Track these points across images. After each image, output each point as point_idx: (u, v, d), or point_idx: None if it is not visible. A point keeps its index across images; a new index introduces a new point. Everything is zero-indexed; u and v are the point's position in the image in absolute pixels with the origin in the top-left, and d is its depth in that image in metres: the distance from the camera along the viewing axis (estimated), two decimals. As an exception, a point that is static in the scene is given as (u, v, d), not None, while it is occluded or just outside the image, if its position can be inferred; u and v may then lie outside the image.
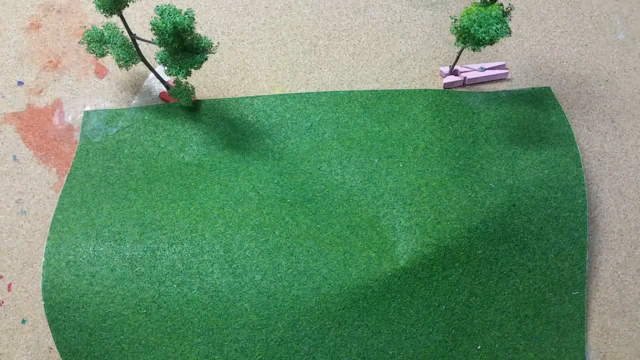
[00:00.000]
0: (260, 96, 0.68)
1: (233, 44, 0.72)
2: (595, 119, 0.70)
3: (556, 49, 0.73)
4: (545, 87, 0.69)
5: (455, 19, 0.57)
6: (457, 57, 0.65)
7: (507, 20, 0.54)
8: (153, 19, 0.53)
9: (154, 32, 0.54)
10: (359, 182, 0.62)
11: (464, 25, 0.55)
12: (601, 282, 0.64)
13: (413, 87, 0.70)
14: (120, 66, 0.60)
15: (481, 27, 0.54)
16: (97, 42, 0.59)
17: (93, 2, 0.55)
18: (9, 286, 0.62)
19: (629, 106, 0.70)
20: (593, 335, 0.62)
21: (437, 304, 0.59)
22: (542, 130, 0.66)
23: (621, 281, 0.64)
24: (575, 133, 0.68)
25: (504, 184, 0.62)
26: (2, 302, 0.62)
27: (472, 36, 0.55)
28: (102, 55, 0.59)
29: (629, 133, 0.69)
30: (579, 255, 0.62)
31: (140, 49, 0.67)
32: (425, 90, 0.68)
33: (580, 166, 0.63)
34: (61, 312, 0.56)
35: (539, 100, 0.68)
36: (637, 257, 0.64)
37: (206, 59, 0.58)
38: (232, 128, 0.67)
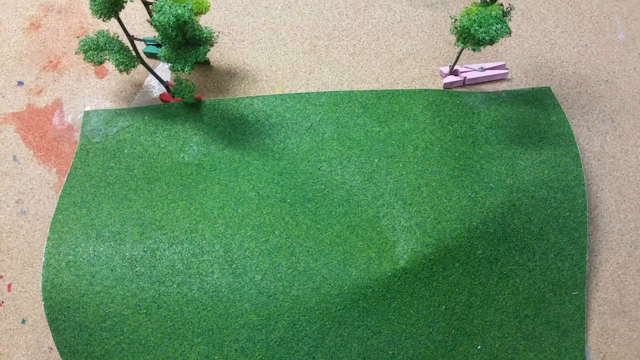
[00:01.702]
0: (260, 96, 0.68)
1: (233, 44, 0.72)
2: (595, 119, 0.70)
3: (556, 49, 0.73)
4: (545, 87, 0.69)
5: (455, 19, 0.57)
6: (457, 57, 0.65)
7: (507, 21, 0.54)
8: (155, 15, 0.53)
9: (156, 28, 0.54)
10: (359, 182, 0.62)
11: (464, 25, 0.55)
12: (601, 282, 0.64)
13: (413, 87, 0.70)
14: (120, 71, 0.59)
15: (481, 27, 0.54)
16: (94, 50, 0.59)
17: (89, 8, 0.54)
18: (9, 286, 0.62)
19: (629, 106, 0.70)
20: (593, 335, 0.62)
21: (437, 304, 0.59)
22: (542, 130, 0.66)
23: (621, 281, 0.64)
24: (575, 133, 0.68)
25: (504, 184, 0.62)
26: (2, 302, 0.62)
27: (472, 36, 0.55)
28: (101, 62, 0.59)
29: (629, 133, 0.69)
30: (579, 255, 0.62)
31: (138, 50, 0.67)
32: (425, 90, 0.68)
33: (580, 166, 0.63)
34: (61, 312, 0.56)
35: (539, 100, 0.68)
36: (637, 257, 0.64)
37: (209, 49, 0.58)
38: (232, 128, 0.67)
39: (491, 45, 0.56)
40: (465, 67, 0.70)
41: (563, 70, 0.72)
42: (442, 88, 0.69)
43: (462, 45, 0.58)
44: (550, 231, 0.62)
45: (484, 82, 0.70)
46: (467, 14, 0.55)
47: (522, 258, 0.61)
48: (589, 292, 0.63)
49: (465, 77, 0.69)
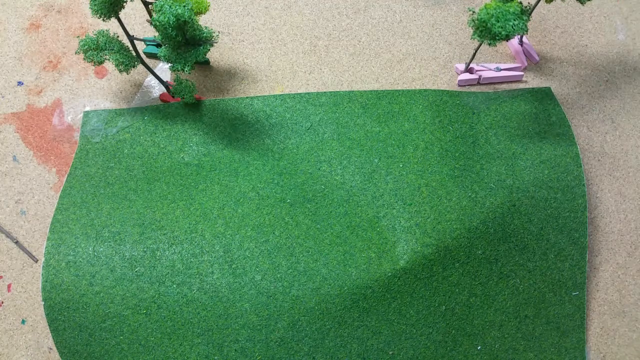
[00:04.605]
0: (260, 96, 0.68)
1: (233, 44, 0.72)
2: (595, 119, 0.69)
3: (556, 49, 0.73)
4: (545, 87, 0.69)
5: (473, 11, 0.57)
6: (473, 55, 0.65)
7: (525, 18, 0.55)
8: (155, 15, 0.53)
9: (156, 28, 0.54)
10: (359, 182, 0.62)
11: (481, 19, 0.56)
12: (601, 282, 0.64)
13: (413, 87, 0.70)
14: (120, 71, 0.59)
15: (498, 21, 0.54)
16: (94, 50, 0.59)
17: (89, 8, 0.54)
18: (9, 286, 0.62)
19: (628, 106, 0.70)
20: (593, 335, 0.62)
21: (437, 304, 0.59)
22: (542, 130, 0.66)
23: (621, 281, 0.64)
24: (575, 133, 0.68)
25: (504, 184, 0.62)
26: (2, 302, 0.62)
27: (489, 30, 0.56)
28: (101, 63, 0.59)
29: (629, 133, 0.69)
30: (579, 256, 0.62)
31: (138, 50, 0.67)
32: (425, 90, 0.68)
33: (580, 166, 0.63)
34: (61, 312, 0.56)
35: (539, 100, 0.68)
36: (637, 258, 0.64)
37: (209, 49, 0.58)
38: (232, 128, 0.67)
39: (507, 41, 0.56)
40: (482, 66, 0.69)
41: (563, 70, 0.72)
42: (442, 88, 0.69)
43: (478, 38, 0.58)
44: (550, 231, 0.62)
45: (499, 82, 0.70)
46: (485, 8, 0.55)
47: (522, 258, 0.61)
48: (589, 292, 0.63)
49: (480, 76, 0.69)
